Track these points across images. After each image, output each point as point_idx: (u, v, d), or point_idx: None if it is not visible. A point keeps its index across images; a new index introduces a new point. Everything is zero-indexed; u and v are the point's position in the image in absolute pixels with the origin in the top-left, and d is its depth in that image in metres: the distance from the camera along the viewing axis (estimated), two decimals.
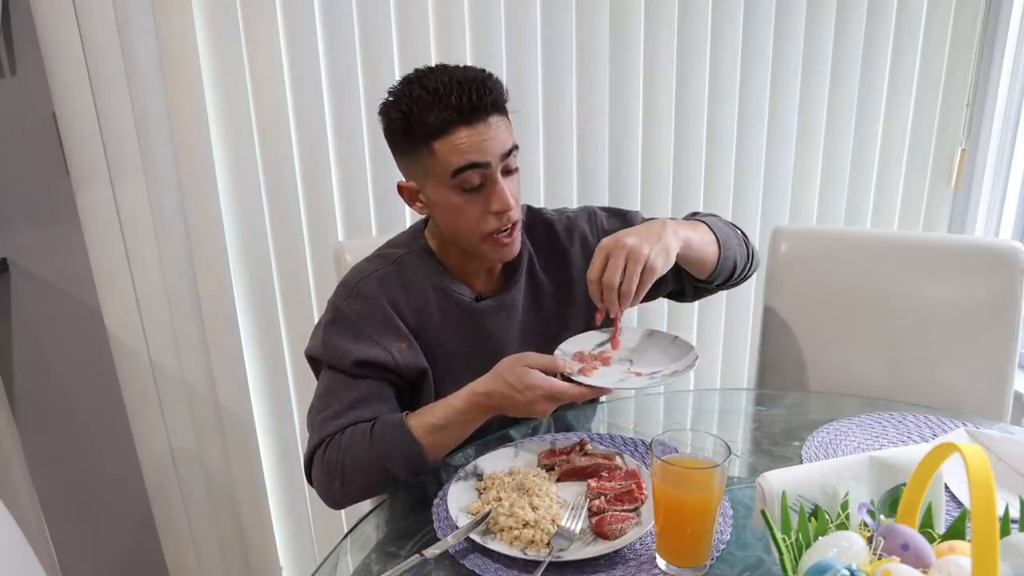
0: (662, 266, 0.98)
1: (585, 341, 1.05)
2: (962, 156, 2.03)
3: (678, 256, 1.03)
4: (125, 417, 1.63)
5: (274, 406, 1.71)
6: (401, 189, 1.07)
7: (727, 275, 1.15)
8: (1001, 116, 1.98)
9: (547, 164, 1.73)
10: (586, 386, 0.93)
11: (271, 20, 1.47)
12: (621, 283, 0.97)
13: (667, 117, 1.78)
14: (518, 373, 0.92)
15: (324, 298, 1.09)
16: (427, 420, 0.97)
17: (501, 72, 1.62)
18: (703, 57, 1.76)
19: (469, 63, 1.58)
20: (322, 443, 1.00)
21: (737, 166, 1.88)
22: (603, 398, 1.40)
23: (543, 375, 0.92)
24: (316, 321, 1.10)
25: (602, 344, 1.04)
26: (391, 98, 1.01)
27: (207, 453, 1.70)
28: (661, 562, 0.80)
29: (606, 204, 1.79)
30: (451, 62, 1.06)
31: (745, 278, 1.22)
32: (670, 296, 1.25)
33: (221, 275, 1.58)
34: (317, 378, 1.08)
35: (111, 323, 1.57)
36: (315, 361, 1.07)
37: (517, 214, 1.03)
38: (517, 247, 1.06)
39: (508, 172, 1.01)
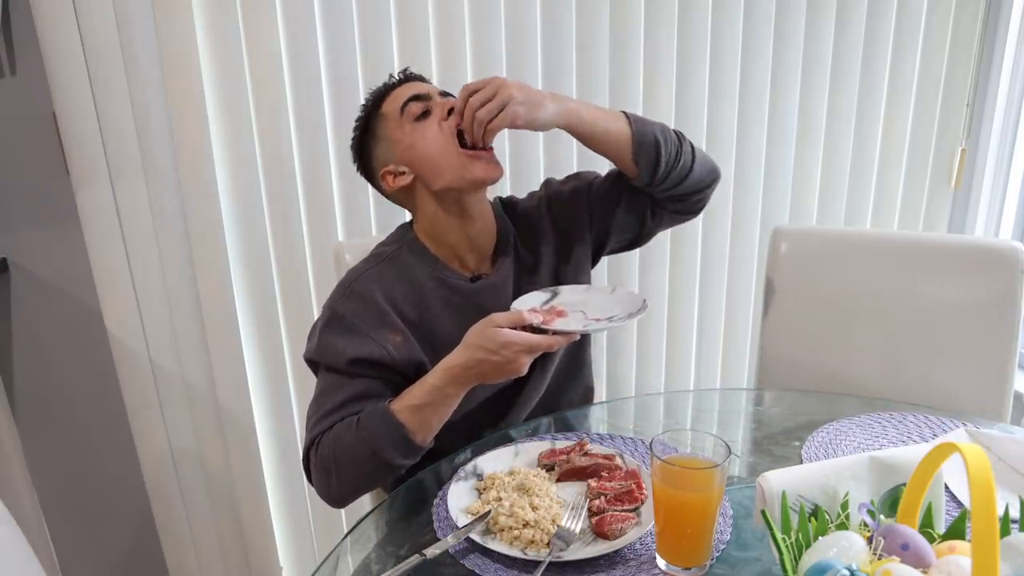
0: (523, 115, 1.00)
1: (531, 300, 1.07)
2: (962, 156, 2.03)
3: (581, 135, 1.08)
4: (125, 417, 1.63)
5: (274, 406, 1.71)
6: (383, 178, 1.12)
7: (652, 160, 1.08)
8: (1001, 116, 1.98)
9: (547, 164, 1.73)
10: (556, 333, 0.94)
11: (271, 20, 1.47)
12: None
13: (667, 117, 1.78)
14: (489, 335, 0.92)
15: (324, 298, 1.10)
16: (408, 402, 0.98)
17: (501, 72, 1.63)
18: (703, 57, 1.76)
19: (469, 63, 1.62)
20: (314, 442, 1.01)
21: (737, 166, 1.88)
22: (604, 397, 1.40)
23: (514, 331, 0.92)
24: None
25: (547, 302, 1.06)
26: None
27: (207, 453, 1.70)
28: (661, 562, 0.80)
29: None
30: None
31: (690, 177, 1.12)
32: (632, 245, 1.26)
33: (221, 275, 1.58)
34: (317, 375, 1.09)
35: (111, 323, 1.57)
36: (313, 364, 1.08)
37: (473, 134, 1.05)
38: (499, 167, 1.09)
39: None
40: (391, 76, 1.15)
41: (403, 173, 1.10)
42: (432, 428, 0.99)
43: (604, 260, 1.29)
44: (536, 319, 0.94)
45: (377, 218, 1.64)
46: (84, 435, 1.70)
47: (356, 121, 1.14)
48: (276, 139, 1.54)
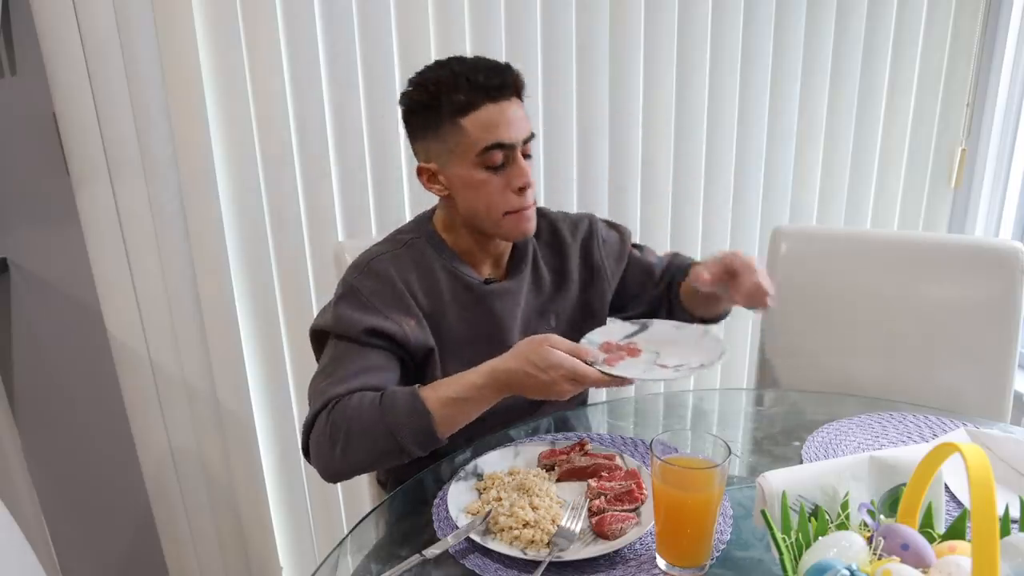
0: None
1: (613, 331, 1.03)
2: (962, 156, 2.03)
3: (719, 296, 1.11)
4: (125, 417, 1.63)
5: (274, 406, 1.71)
6: (420, 172, 1.09)
7: (721, 316, 1.30)
8: (1001, 116, 1.98)
9: (547, 164, 1.73)
10: (608, 375, 0.90)
11: (271, 20, 1.47)
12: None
13: (667, 117, 1.78)
14: (542, 353, 0.90)
15: (324, 299, 1.10)
16: (442, 393, 0.95)
17: None
18: (703, 57, 1.76)
19: None
20: (327, 405, 0.97)
21: (737, 166, 1.88)
22: (604, 397, 1.40)
23: (567, 355, 0.90)
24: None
25: (630, 335, 1.02)
26: (415, 82, 1.05)
27: (207, 453, 1.70)
28: (661, 562, 0.80)
29: (606, 204, 1.80)
30: None
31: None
32: (622, 312, 1.30)
33: (221, 275, 1.58)
34: (318, 355, 1.07)
35: (111, 323, 1.57)
36: (322, 335, 1.06)
37: (533, 195, 1.07)
38: (534, 225, 1.09)
39: (525, 157, 1.06)
40: (491, 75, 1.01)
41: (441, 185, 1.07)
42: (456, 425, 0.97)
43: None
44: (597, 358, 0.93)
45: (377, 218, 1.64)
46: (84, 435, 1.70)
47: (424, 90, 1.03)
48: (276, 140, 1.54)
